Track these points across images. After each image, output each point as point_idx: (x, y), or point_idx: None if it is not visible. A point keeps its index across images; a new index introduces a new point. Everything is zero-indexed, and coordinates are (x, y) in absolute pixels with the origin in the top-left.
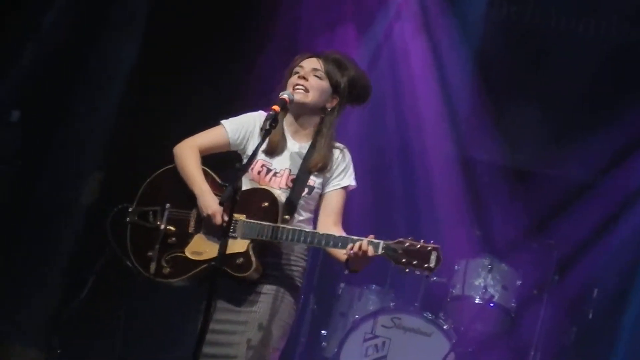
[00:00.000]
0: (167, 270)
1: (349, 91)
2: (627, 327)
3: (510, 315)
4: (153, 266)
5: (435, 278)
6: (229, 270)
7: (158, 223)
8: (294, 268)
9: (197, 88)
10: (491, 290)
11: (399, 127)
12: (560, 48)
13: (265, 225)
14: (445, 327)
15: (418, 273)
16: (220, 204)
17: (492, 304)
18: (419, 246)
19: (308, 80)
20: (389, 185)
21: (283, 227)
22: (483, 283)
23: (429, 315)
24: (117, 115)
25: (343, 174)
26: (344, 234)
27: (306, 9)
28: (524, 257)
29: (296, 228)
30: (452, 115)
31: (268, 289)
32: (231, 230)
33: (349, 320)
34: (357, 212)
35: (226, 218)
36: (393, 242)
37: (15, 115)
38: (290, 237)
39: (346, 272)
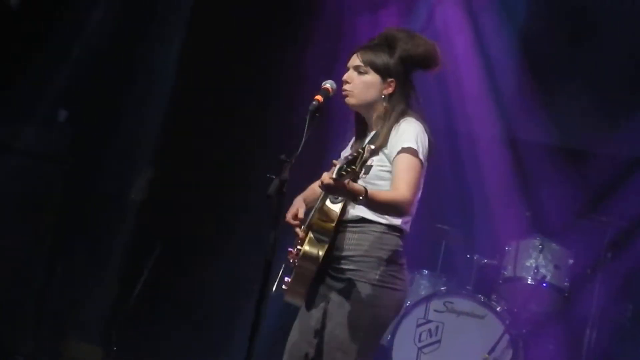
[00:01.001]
0: (282, 288)
1: (407, 64)
2: None
3: (564, 294)
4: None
5: (485, 260)
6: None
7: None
8: (362, 260)
9: (245, 82)
10: (543, 271)
11: (445, 110)
12: (607, 24)
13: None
14: (498, 309)
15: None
16: (268, 196)
17: (544, 284)
18: (353, 154)
19: (350, 83)
20: (438, 168)
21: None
22: (534, 263)
23: (481, 297)
24: (167, 112)
25: (398, 139)
26: None
27: (345, 4)
28: (575, 236)
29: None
30: (498, 96)
31: (332, 290)
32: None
33: None
34: None
35: (300, 212)
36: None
37: (63, 115)
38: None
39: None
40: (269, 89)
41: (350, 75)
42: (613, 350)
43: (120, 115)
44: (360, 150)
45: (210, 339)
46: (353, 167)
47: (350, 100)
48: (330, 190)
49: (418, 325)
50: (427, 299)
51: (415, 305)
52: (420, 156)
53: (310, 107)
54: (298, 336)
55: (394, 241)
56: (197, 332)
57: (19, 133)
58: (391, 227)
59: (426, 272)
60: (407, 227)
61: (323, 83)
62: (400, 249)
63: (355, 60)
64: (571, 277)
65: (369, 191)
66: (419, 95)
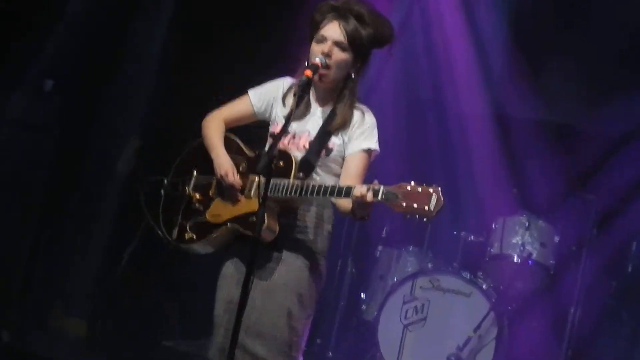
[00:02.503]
0: (189, 236)
1: (372, 45)
2: None
3: (550, 272)
4: (175, 231)
5: (472, 237)
6: (242, 230)
7: (184, 190)
8: (319, 232)
9: (233, 58)
10: (529, 248)
11: (434, 86)
12: (596, 2)
13: (277, 182)
14: (484, 286)
15: (417, 218)
16: (257, 173)
17: (530, 262)
18: (419, 189)
19: (331, 58)
20: (425, 144)
21: (293, 182)
22: (521, 241)
23: (467, 275)
24: (154, 84)
25: (363, 137)
26: None
27: None
28: (561, 214)
29: (305, 182)
30: (486, 72)
31: (285, 255)
32: (246, 190)
33: (387, 283)
34: (394, 173)
35: (237, 176)
36: (394, 186)
37: (49, 85)
38: (299, 191)
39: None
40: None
41: (331, 48)
42: (597, 327)
43: (108, 84)
44: (432, 191)
45: (197, 314)
46: (427, 208)
47: (326, 78)
48: (360, 205)
49: (404, 303)
50: (413, 276)
51: (401, 282)
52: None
53: (299, 82)
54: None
55: (333, 214)
56: (184, 307)
57: (5, 103)
58: (332, 203)
59: (412, 248)
60: None
61: (312, 58)
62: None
63: (337, 32)
64: (557, 254)
65: None
66: None
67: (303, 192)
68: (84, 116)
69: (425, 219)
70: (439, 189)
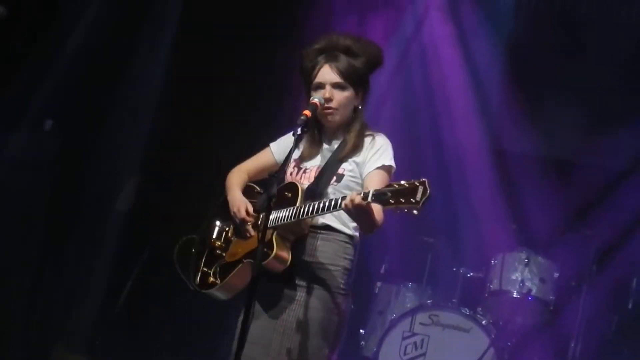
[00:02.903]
0: (211, 280)
1: (368, 72)
2: None
3: (549, 308)
4: (198, 277)
5: (471, 273)
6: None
7: (208, 240)
8: (330, 267)
9: (232, 93)
10: (529, 284)
11: (432, 121)
12: (593, 34)
13: (284, 211)
14: (483, 322)
15: (406, 211)
16: (256, 211)
17: (530, 298)
18: (406, 185)
19: (333, 100)
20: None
21: (296, 207)
22: (520, 277)
23: (467, 311)
24: (153, 120)
25: (376, 156)
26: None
27: (335, 6)
28: (561, 249)
29: (305, 204)
30: (484, 108)
31: (300, 293)
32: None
33: (387, 319)
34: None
35: (250, 209)
36: (383, 187)
37: (49, 124)
38: (298, 214)
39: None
40: (255, 100)
41: (331, 92)
42: None
43: (107, 124)
44: (418, 183)
45: (196, 347)
46: (414, 200)
47: (335, 119)
48: (355, 211)
49: (404, 338)
50: (413, 311)
51: (401, 317)
52: (393, 173)
53: (299, 122)
54: (260, 340)
55: (352, 251)
56: (183, 340)
57: (6, 142)
58: (350, 237)
59: (412, 284)
60: (359, 238)
61: (311, 98)
62: (355, 259)
63: (331, 74)
64: (557, 290)
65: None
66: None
67: (302, 214)
68: (83, 155)
69: (414, 212)
70: (426, 181)
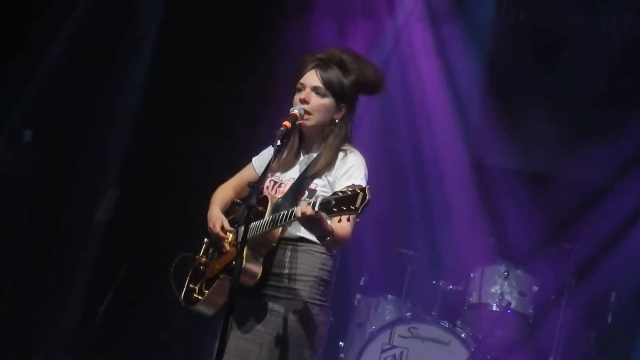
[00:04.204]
0: (195, 297)
1: (357, 90)
2: None
3: (528, 321)
4: (182, 294)
5: (451, 286)
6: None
7: (197, 256)
8: (306, 279)
9: (212, 102)
10: (508, 297)
11: (411, 135)
12: (571, 47)
13: (254, 225)
14: (463, 335)
15: (346, 218)
16: (234, 222)
17: (509, 311)
18: (349, 192)
19: (309, 103)
20: (403, 193)
21: (261, 220)
22: (500, 290)
23: (446, 323)
24: (132, 132)
25: (347, 176)
26: None
27: (315, 19)
28: (540, 263)
29: (270, 217)
30: (464, 121)
31: (276, 307)
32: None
33: (366, 332)
34: (372, 221)
35: (226, 224)
36: (329, 196)
37: (28, 135)
38: (262, 226)
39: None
40: (236, 108)
41: (308, 95)
42: None
43: (86, 135)
44: (359, 190)
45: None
46: (353, 207)
47: (309, 123)
48: (306, 221)
49: (383, 351)
50: (392, 324)
51: (380, 330)
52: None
53: (278, 133)
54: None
55: (329, 262)
56: (162, 354)
57: None
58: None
59: (391, 297)
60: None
61: (291, 109)
62: (333, 270)
63: (314, 79)
64: (536, 303)
65: (334, 231)
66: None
67: (264, 227)
68: (62, 166)
69: (353, 216)
70: (367, 187)
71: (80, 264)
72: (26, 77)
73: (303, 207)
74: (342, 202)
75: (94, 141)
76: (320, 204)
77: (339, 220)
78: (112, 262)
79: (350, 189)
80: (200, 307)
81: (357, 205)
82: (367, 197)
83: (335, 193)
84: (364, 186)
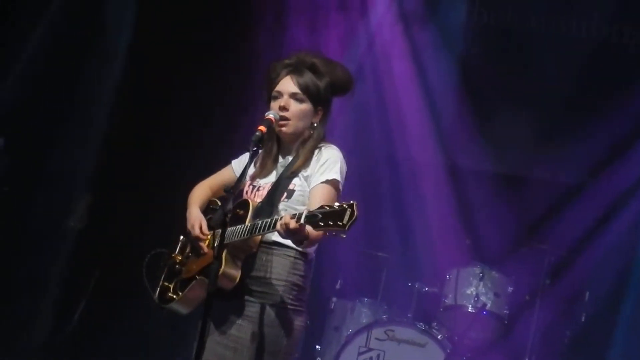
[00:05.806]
0: (169, 296)
1: (331, 92)
2: (620, 329)
3: (504, 322)
4: (157, 292)
5: (426, 288)
6: (205, 279)
7: (173, 255)
8: (280, 283)
9: (185, 106)
10: (483, 298)
11: (385, 138)
12: (542, 50)
13: (233, 229)
14: (439, 337)
15: (334, 234)
16: (212, 227)
17: (485, 312)
18: (336, 206)
19: (289, 110)
20: (378, 196)
21: (242, 225)
22: (475, 291)
23: (422, 325)
24: (104, 138)
25: (322, 170)
26: None
27: (290, 23)
28: (515, 264)
29: (253, 223)
30: (437, 123)
31: (250, 311)
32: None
33: (342, 335)
34: None
35: (205, 226)
36: (315, 209)
37: (1, 143)
38: (244, 231)
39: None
40: (209, 113)
41: (287, 102)
42: None
43: (57, 142)
44: (346, 206)
45: None
46: (341, 223)
47: (287, 130)
48: (287, 232)
49: (359, 354)
50: (369, 327)
51: (356, 333)
52: (340, 187)
53: (253, 138)
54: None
55: (303, 267)
56: None
57: None
58: (302, 254)
59: (367, 300)
60: (313, 254)
61: (266, 114)
62: (308, 275)
63: (291, 85)
64: (511, 304)
65: (309, 234)
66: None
67: (245, 233)
68: (33, 174)
69: (342, 235)
70: (355, 204)
71: (52, 272)
72: None
73: (286, 219)
74: (329, 216)
75: (66, 148)
76: (306, 217)
77: (326, 234)
78: (84, 268)
79: (337, 205)
80: (174, 306)
81: (344, 222)
82: (355, 214)
83: (322, 207)
84: (352, 202)
